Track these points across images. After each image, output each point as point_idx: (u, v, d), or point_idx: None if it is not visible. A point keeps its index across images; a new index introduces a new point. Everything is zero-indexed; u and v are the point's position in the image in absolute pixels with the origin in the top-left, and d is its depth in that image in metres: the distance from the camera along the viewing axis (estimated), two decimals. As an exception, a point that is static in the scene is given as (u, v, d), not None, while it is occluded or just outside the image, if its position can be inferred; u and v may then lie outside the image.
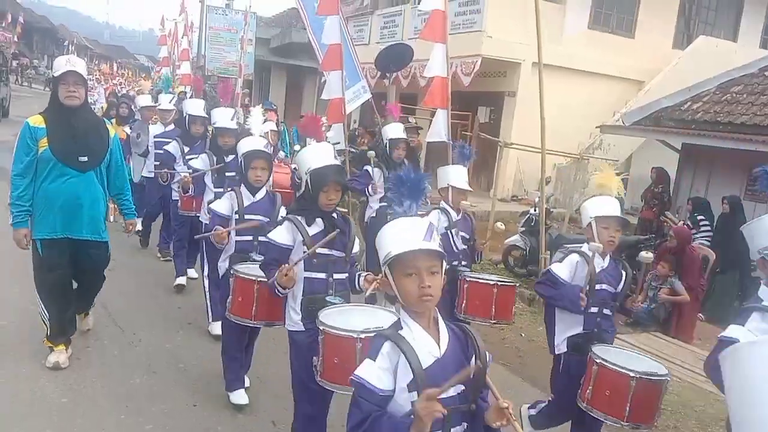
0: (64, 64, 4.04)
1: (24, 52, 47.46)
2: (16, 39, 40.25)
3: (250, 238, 3.98)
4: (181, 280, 6.35)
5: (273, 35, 23.04)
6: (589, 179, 13.28)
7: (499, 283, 4.38)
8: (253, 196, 4.05)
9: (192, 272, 6.60)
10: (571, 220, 10.10)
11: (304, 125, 3.85)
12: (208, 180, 5.43)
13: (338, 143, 8.12)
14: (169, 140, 6.73)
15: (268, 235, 3.24)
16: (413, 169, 2.12)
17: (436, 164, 7.09)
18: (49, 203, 4.03)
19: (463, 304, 4.33)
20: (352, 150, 12.20)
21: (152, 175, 7.15)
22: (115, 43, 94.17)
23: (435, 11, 7.21)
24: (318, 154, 3.23)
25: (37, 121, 4.02)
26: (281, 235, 3.16)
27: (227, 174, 5.32)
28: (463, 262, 4.61)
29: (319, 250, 3.09)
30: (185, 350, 4.88)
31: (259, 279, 3.48)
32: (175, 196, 6.36)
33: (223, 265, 4.12)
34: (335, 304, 3.09)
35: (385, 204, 5.46)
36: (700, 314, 7.46)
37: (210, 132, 6.25)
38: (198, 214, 5.73)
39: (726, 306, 7.71)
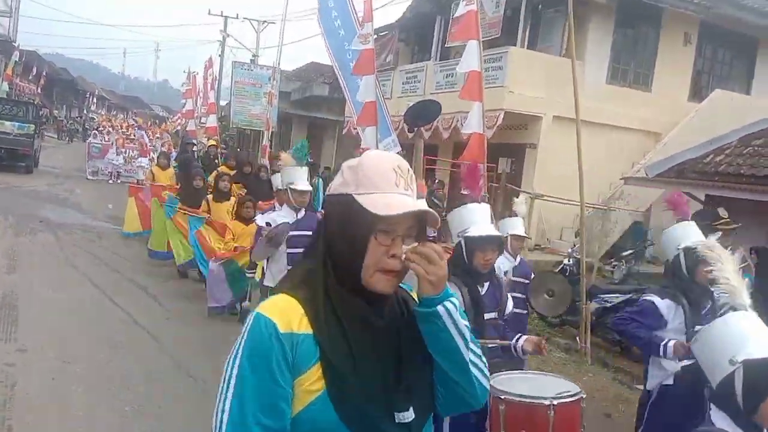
0: (393, 182, 1.40)
1: (45, 103, 48.75)
2: (39, 91, 41.51)
3: None
4: None
5: (293, 89, 23.77)
6: (611, 229, 13.56)
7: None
8: None
9: None
10: (597, 270, 10.24)
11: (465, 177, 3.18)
12: None
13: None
14: (308, 232, 4.49)
15: None
16: None
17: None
18: None
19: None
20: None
21: None
22: (130, 93, 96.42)
23: (472, 72, 7.62)
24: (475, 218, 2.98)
25: (290, 316, 1.36)
26: None
27: None
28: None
29: None
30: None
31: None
32: None
33: None
34: None
35: None
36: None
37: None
38: None
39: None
